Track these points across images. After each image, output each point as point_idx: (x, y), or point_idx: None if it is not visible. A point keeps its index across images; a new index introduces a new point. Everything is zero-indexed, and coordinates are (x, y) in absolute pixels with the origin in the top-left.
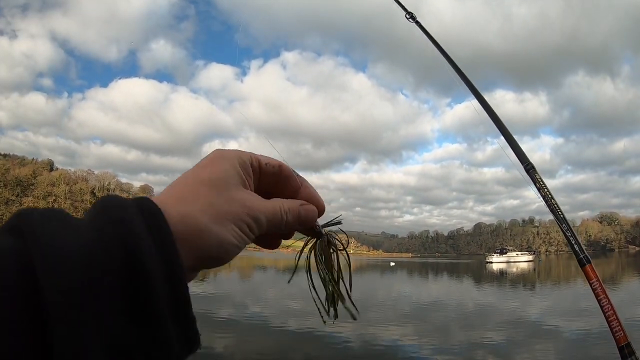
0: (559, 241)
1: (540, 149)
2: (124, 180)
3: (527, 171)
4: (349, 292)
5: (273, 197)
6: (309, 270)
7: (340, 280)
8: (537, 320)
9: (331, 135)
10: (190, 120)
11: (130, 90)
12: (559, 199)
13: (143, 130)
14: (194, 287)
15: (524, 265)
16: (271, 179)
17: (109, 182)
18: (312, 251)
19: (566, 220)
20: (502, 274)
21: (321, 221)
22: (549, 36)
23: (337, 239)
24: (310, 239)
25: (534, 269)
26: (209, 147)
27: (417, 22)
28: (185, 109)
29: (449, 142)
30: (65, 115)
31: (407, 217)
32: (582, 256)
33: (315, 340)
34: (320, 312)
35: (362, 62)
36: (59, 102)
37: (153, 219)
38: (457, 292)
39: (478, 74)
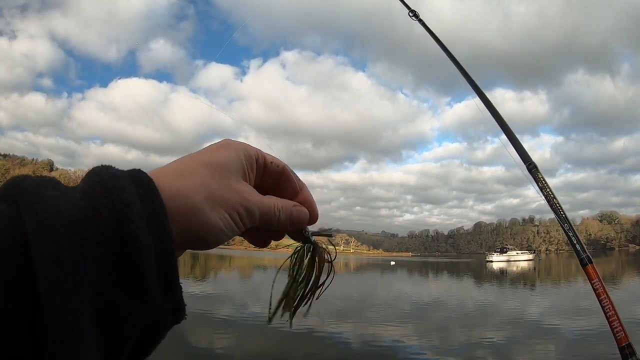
0: (559, 240)
1: (540, 148)
2: None
3: (530, 170)
4: (306, 303)
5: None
6: (299, 271)
7: (305, 289)
8: (537, 320)
9: (331, 135)
10: (190, 119)
11: (130, 90)
12: (559, 198)
13: (143, 130)
14: (195, 287)
15: (524, 264)
16: (273, 179)
17: None
18: (294, 255)
19: (568, 220)
20: (502, 273)
21: (317, 229)
22: (548, 34)
23: (324, 249)
24: (298, 245)
25: (534, 268)
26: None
27: (420, 20)
28: (185, 109)
29: (449, 141)
30: (65, 116)
31: (407, 216)
32: (584, 256)
33: (315, 340)
34: (269, 310)
35: (362, 61)
36: (59, 102)
37: (145, 188)
38: (457, 292)
39: (478, 73)
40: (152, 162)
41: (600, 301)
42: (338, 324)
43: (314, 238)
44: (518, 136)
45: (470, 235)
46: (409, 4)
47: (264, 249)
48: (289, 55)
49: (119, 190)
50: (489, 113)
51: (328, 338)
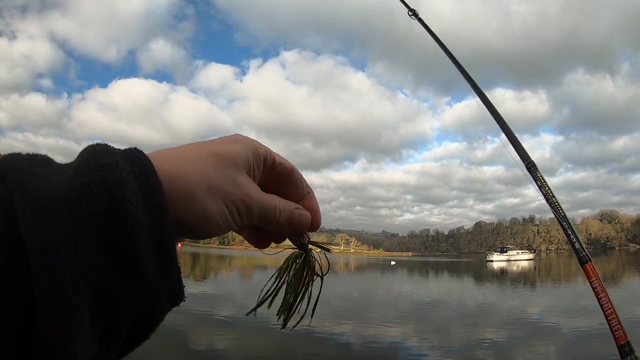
0: (559, 239)
1: (540, 147)
2: None
3: (529, 169)
4: (297, 310)
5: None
6: (286, 276)
7: (297, 296)
8: (537, 319)
9: (331, 134)
10: (190, 119)
11: (130, 91)
12: (559, 197)
13: (143, 130)
14: (195, 288)
15: (525, 264)
16: (279, 180)
17: None
18: (288, 261)
19: (567, 219)
20: (502, 272)
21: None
22: (548, 34)
23: (317, 261)
24: (292, 253)
25: (535, 268)
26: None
27: (420, 19)
28: (185, 109)
29: (448, 141)
30: (65, 116)
31: (408, 216)
32: (582, 254)
33: (316, 340)
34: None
35: (362, 61)
36: (59, 103)
37: (141, 166)
38: (457, 291)
39: (478, 73)
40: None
41: (598, 299)
42: (338, 324)
43: (310, 247)
44: (517, 135)
45: (470, 234)
46: (408, 3)
47: (265, 249)
48: (288, 55)
49: (112, 168)
50: (487, 112)
51: (328, 338)
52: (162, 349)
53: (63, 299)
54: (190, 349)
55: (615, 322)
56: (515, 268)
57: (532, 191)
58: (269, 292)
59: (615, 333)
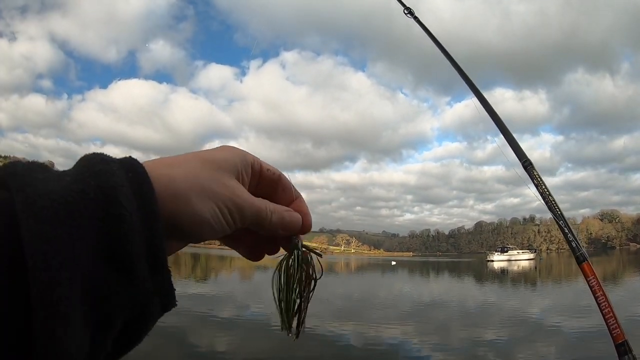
0: (560, 239)
1: (540, 147)
2: None
3: (525, 167)
4: (296, 311)
5: None
6: (282, 279)
7: (294, 299)
8: (537, 319)
9: (331, 135)
10: (190, 120)
11: (130, 91)
12: (560, 197)
13: (143, 131)
14: (195, 288)
15: (525, 264)
16: (268, 186)
17: None
18: (283, 263)
19: (564, 217)
20: (503, 272)
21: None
22: (548, 34)
23: (310, 262)
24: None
25: (535, 267)
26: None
27: (415, 18)
28: (185, 110)
29: (449, 141)
30: (65, 117)
31: (408, 216)
32: (579, 253)
33: (316, 339)
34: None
35: (362, 61)
36: (59, 104)
37: (134, 172)
38: (458, 291)
39: (477, 72)
40: (154, 158)
41: (596, 298)
42: (339, 324)
43: (302, 247)
44: (517, 135)
45: (471, 234)
46: (404, 1)
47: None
48: (288, 56)
49: (108, 175)
50: (483, 109)
51: (329, 338)
52: (164, 349)
53: (58, 295)
54: (191, 349)
55: (613, 321)
56: (515, 268)
57: (531, 191)
58: (291, 303)
59: (613, 332)
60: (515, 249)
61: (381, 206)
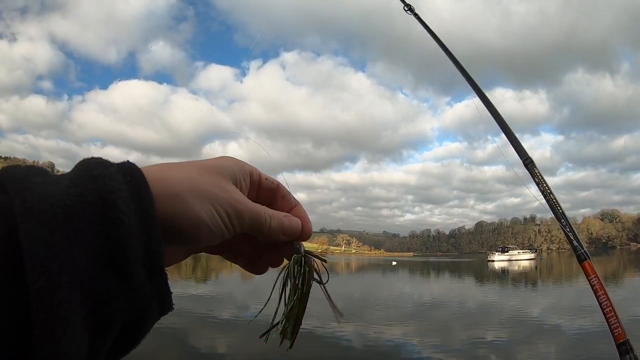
0: (560, 239)
1: (540, 147)
2: None
3: (526, 166)
4: (297, 317)
5: None
6: (286, 285)
7: (296, 304)
8: (538, 318)
9: (331, 135)
10: (190, 121)
11: (130, 92)
12: (560, 197)
13: (143, 131)
14: (196, 289)
15: (526, 264)
16: (268, 195)
17: None
18: (286, 270)
19: (565, 216)
20: (503, 272)
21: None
22: (548, 33)
23: (315, 265)
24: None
25: (536, 267)
26: (210, 148)
27: (416, 14)
28: (185, 110)
29: (449, 141)
30: (65, 118)
31: (408, 216)
32: (580, 252)
33: (317, 339)
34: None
35: (362, 61)
36: (59, 105)
37: (132, 176)
38: (458, 291)
39: (478, 72)
40: (152, 164)
41: (597, 297)
42: (339, 324)
43: (304, 251)
44: (518, 135)
45: (471, 234)
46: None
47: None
48: (288, 56)
49: (105, 179)
50: (484, 107)
51: (329, 338)
52: (164, 349)
53: (57, 298)
54: (191, 350)
55: (614, 320)
56: (516, 268)
57: (532, 190)
58: (290, 306)
59: (614, 331)
60: (516, 249)
61: (382, 206)
